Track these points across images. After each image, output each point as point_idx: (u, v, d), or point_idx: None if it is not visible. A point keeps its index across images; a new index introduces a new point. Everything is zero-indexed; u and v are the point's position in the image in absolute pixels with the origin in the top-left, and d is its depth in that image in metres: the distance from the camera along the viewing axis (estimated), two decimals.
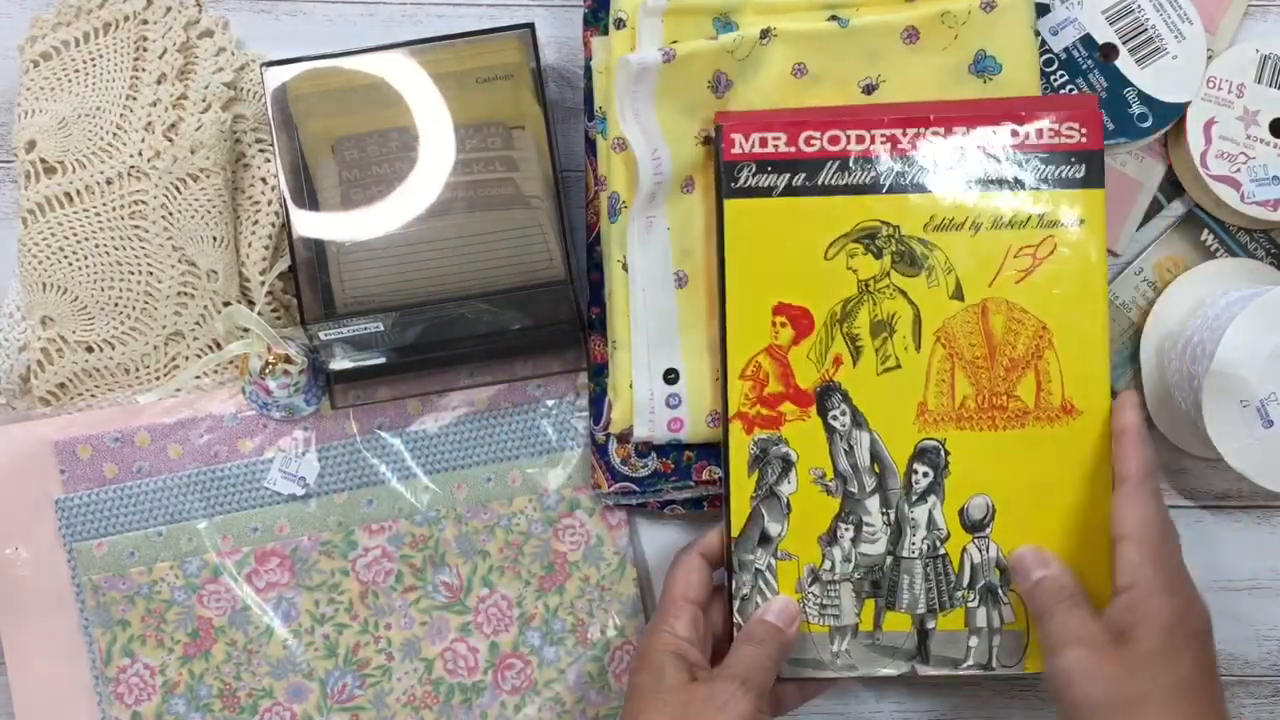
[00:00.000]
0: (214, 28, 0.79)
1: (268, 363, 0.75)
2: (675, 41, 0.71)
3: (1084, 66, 0.77)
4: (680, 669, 0.67)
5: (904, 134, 0.71)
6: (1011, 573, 0.70)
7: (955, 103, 0.72)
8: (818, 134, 0.71)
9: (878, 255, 0.71)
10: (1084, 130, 0.71)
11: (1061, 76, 0.77)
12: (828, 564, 0.73)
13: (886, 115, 0.71)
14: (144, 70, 0.78)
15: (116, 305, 0.77)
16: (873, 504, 0.72)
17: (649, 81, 0.70)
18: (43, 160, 0.77)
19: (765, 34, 0.71)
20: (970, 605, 0.73)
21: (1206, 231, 0.79)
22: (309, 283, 0.73)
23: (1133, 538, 0.64)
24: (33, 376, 0.78)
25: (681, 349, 0.74)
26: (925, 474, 0.72)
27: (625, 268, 0.73)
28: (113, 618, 0.77)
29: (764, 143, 0.71)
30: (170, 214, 0.76)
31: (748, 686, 0.65)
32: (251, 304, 0.77)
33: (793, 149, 0.71)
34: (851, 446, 0.72)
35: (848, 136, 0.71)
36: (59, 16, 0.79)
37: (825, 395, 0.72)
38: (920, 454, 0.72)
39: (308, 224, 0.73)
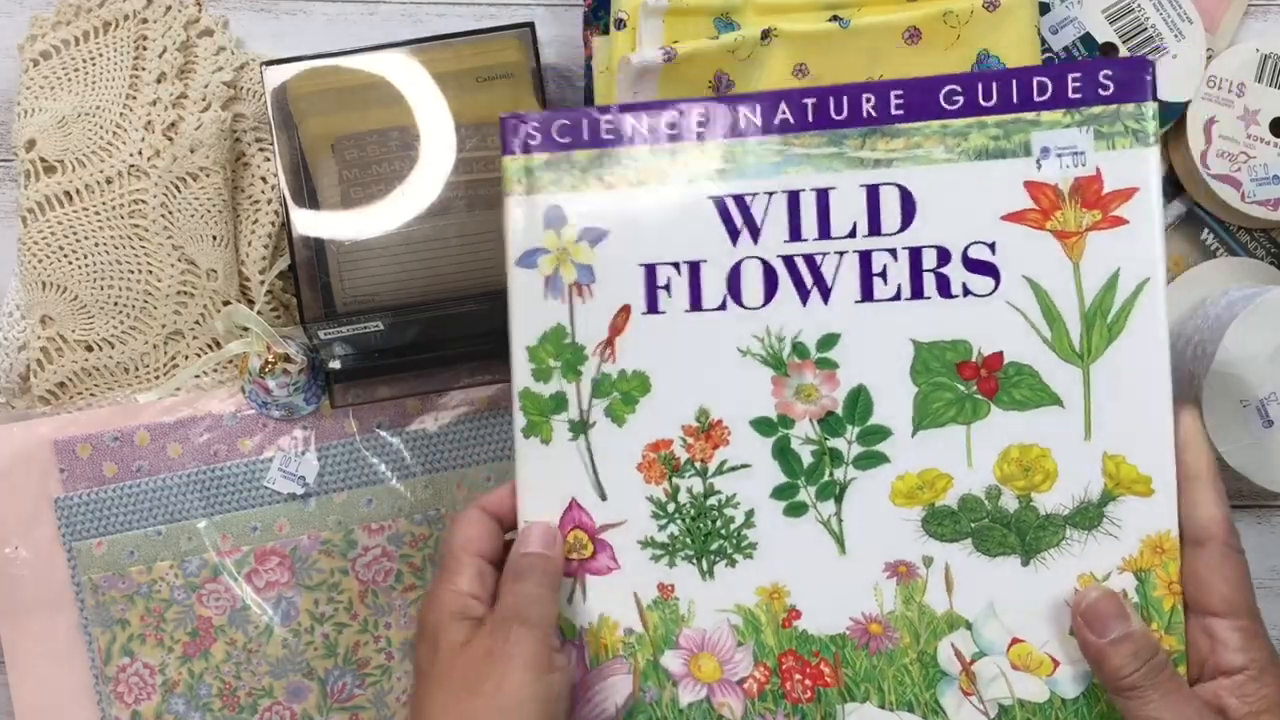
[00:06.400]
0: (214, 27, 0.79)
1: (267, 362, 0.75)
2: (676, 41, 0.71)
3: None
4: (461, 630, 0.57)
5: None
6: (1076, 622, 0.55)
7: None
8: None
9: None
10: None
11: None
12: None
13: None
14: (144, 69, 0.78)
15: (116, 304, 0.76)
16: None
17: (650, 82, 0.70)
18: (42, 159, 0.77)
19: (766, 34, 0.71)
20: None
21: (1206, 231, 0.79)
22: (309, 282, 0.73)
23: (1235, 611, 0.55)
24: (32, 376, 0.78)
25: None
26: None
27: None
28: (112, 617, 0.77)
29: None
30: (170, 213, 0.76)
31: (529, 625, 0.56)
32: (251, 303, 0.77)
33: None
34: None
35: None
36: (59, 15, 0.79)
37: None
38: None
39: (308, 223, 0.73)
